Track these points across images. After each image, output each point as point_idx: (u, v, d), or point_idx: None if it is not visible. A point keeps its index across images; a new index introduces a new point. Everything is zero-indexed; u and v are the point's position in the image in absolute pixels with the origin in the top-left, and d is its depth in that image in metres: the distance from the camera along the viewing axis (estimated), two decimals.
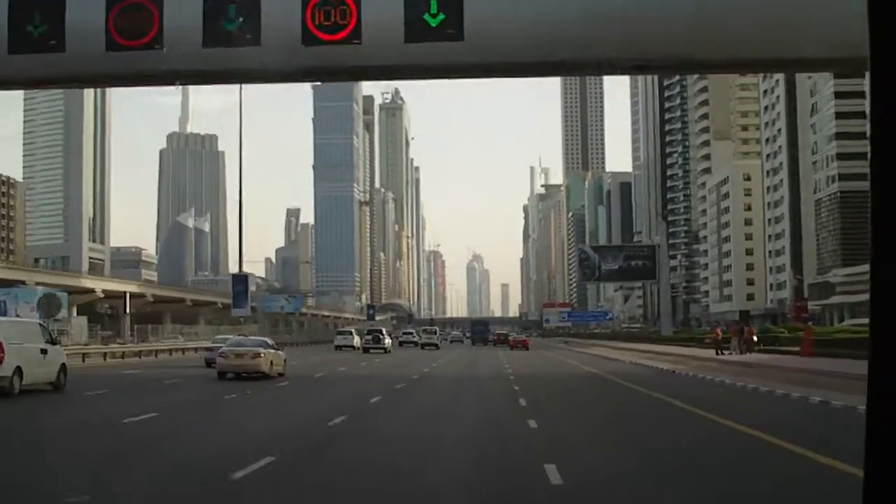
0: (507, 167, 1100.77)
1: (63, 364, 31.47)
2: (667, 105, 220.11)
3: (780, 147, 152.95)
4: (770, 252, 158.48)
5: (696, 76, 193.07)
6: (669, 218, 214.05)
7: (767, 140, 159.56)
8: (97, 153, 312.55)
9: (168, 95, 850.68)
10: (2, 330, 28.49)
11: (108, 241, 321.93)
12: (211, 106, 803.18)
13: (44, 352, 29.71)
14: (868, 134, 1.90)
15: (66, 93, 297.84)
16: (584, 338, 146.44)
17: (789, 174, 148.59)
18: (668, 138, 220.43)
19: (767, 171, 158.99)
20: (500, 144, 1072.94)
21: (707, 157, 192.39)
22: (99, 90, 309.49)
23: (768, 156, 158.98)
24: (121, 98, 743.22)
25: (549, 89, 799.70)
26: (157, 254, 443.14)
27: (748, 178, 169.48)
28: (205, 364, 47.43)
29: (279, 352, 41.84)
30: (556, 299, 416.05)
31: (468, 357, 73.96)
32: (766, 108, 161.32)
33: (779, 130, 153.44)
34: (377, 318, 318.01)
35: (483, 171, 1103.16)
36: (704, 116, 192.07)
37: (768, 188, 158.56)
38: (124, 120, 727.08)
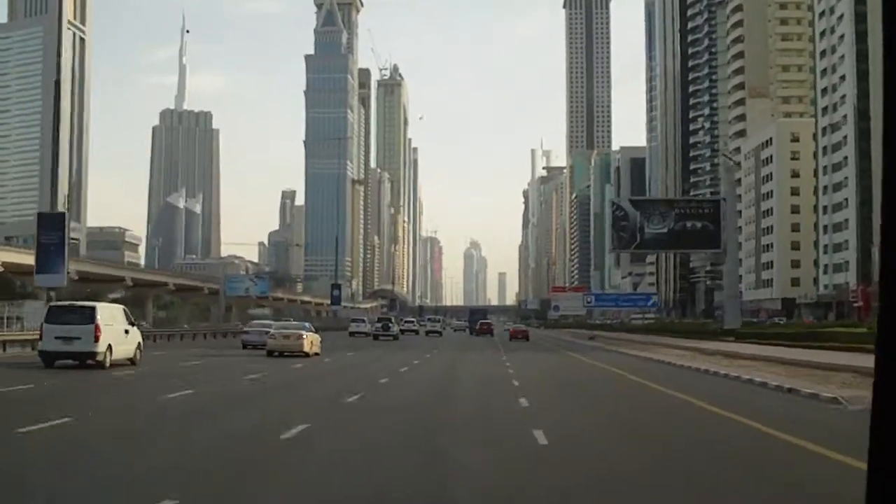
0: (507, 151, 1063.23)
1: (139, 343, 35.34)
2: (691, 63, 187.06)
3: (842, 98, 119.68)
4: (825, 227, 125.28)
5: (728, 24, 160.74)
6: (692, 192, 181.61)
7: (825, 91, 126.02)
8: (74, 129, 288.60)
9: (166, 75, 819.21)
10: (101, 313, 32.36)
11: (85, 220, 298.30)
12: (209, 87, 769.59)
13: (126, 332, 34.13)
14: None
15: (44, 67, 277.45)
16: (609, 330, 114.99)
17: (856, 129, 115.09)
18: (691, 101, 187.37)
19: (823, 129, 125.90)
20: (501, 127, 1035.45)
21: (740, 118, 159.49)
22: (77, 64, 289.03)
23: (825, 110, 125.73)
24: (117, 77, 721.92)
25: (552, 67, 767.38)
26: (147, 235, 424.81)
27: (796, 139, 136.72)
28: (241, 346, 53.13)
29: (317, 334, 46.84)
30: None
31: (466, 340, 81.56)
32: (822, 52, 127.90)
33: (841, 78, 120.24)
34: (364, 305, 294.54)
35: (483, 155, 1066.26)
36: (738, 71, 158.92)
37: (824, 149, 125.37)
38: (119, 99, 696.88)
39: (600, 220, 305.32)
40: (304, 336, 43.73)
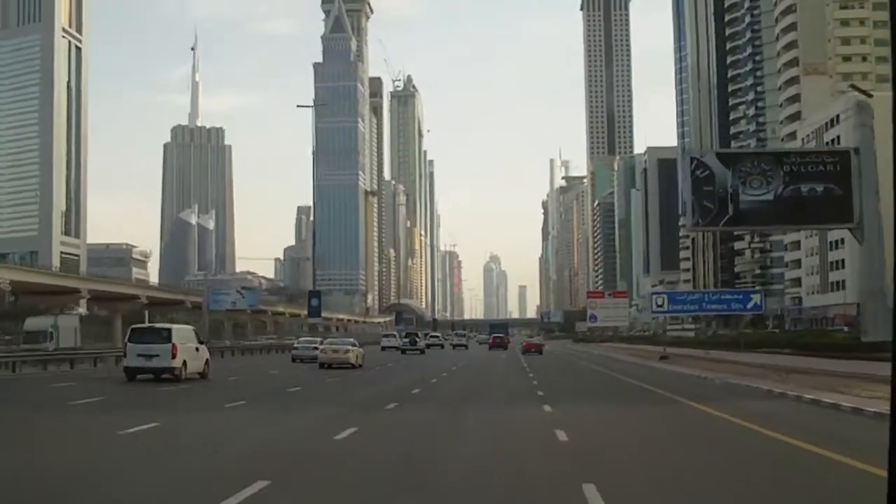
0: (525, 163, 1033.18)
1: (207, 359, 38.40)
2: (729, 45, 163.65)
3: None
4: None
5: None
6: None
7: None
8: (71, 140, 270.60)
9: (178, 93, 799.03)
10: (177, 334, 35.64)
11: (85, 236, 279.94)
12: (222, 106, 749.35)
13: (197, 349, 37.26)
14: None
15: (42, 76, 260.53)
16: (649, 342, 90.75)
17: None
18: (730, 87, 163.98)
19: None
20: (519, 138, 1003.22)
21: (793, 99, 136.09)
22: (73, 74, 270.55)
23: None
24: (130, 96, 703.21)
25: (571, 73, 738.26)
26: (160, 252, 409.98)
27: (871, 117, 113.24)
28: (291, 360, 58.45)
29: (360, 349, 52.10)
30: (578, 300, 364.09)
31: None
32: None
33: None
34: (377, 320, 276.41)
35: (501, 167, 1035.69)
36: (790, 46, 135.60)
37: None
38: (132, 117, 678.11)
39: (626, 227, 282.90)
40: (350, 350, 49.63)
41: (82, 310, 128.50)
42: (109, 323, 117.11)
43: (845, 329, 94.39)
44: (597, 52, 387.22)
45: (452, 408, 22.79)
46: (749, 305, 63.82)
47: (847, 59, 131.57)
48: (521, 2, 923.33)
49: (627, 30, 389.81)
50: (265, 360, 64.13)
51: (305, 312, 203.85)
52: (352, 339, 55.31)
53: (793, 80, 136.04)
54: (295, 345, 65.18)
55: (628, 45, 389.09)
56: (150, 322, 46.71)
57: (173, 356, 34.18)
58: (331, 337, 71.60)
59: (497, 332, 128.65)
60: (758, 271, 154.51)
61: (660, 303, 65.94)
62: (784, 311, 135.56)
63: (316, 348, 54.87)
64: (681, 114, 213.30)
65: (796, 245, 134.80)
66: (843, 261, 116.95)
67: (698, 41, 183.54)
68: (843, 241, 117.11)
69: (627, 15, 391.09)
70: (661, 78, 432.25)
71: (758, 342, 72.06)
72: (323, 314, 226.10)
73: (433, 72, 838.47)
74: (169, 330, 36.08)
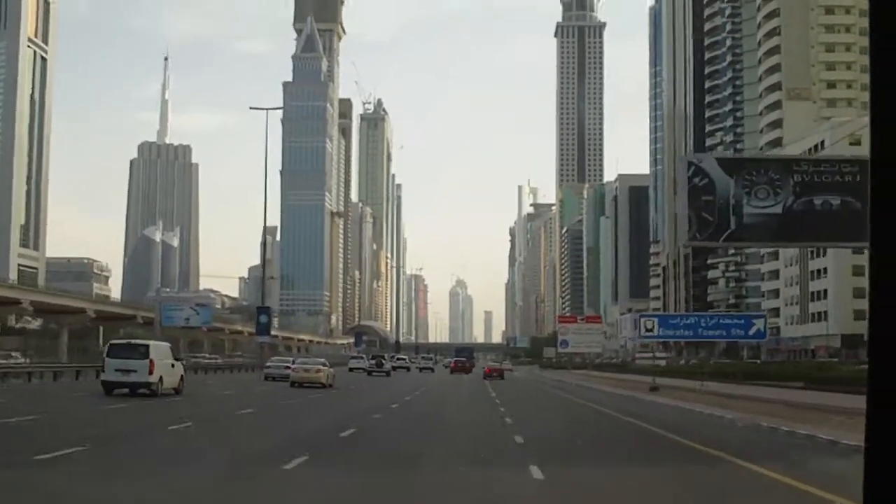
0: (493, 189, 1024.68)
1: (181, 375, 39.94)
2: (708, 69, 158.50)
3: None
4: None
5: (759, 15, 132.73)
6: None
7: None
8: (33, 154, 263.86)
9: (146, 111, 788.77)
10: (154, 351, 36.88)
11: (44, 249, 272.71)
12: (192, 125, 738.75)
13: (172, 366, 38.64)
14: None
15: (4, 85, 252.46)
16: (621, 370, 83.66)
17: None
18: (708, 113, 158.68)
19: None
20: (487, 164, 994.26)
21: (775, 124, 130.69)
22: (37, 84, 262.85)
23: None
24: (97, 112, 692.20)
25: (542, 100, 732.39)
26: (123, 268, 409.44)
27: (857, 142, 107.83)
28: (264, 378, 60.40)
29: (331, 369, 53.88)
30: (544, 326, 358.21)
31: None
32: None
33: None
34: (340, 341, 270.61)
35: (469, 192, 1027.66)
36: (773, 70, 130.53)
37: None
38: (98, 132, 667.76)
39: (594, 255, 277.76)
40: (322, 370, 51.56)
41: (35, 323, 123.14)
42: (56, 337, 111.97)
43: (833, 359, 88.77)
44: (569, 79, 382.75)
45: (406, 463, 15.83)
46: (751, 332, 55.52)
47: (832, 85, 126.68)
48: (495, 28, 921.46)
49: (601, 57, 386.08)
50: (223, 379, 66.13)
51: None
52: (323, 360, 57.17)
53: (775, 105, 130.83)
54: (268, 364, 67.38)
55: (601, 72, 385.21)
56: (125, 339, 46.56)
57: (150, 372, 35.59)
58: (297, 357, 74.65)
59: (461, 356, 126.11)
60: (732, 301, 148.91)
61: (649, 326, 56.61)
62: (760, 343, 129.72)
63: (288, 367, 57.01)
64: (654, 140, 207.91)
65: (774, 274, 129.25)
66: (825, 291, 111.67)
67: (675, 66, 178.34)
68: (825, 270, 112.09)
69: (602, 42, 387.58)
70: (634, 104, 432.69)
71: (750, 373, 65.07)
72: (284, 333, 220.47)
73: (404, 95, 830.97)
74: (146, 346, 37.66)
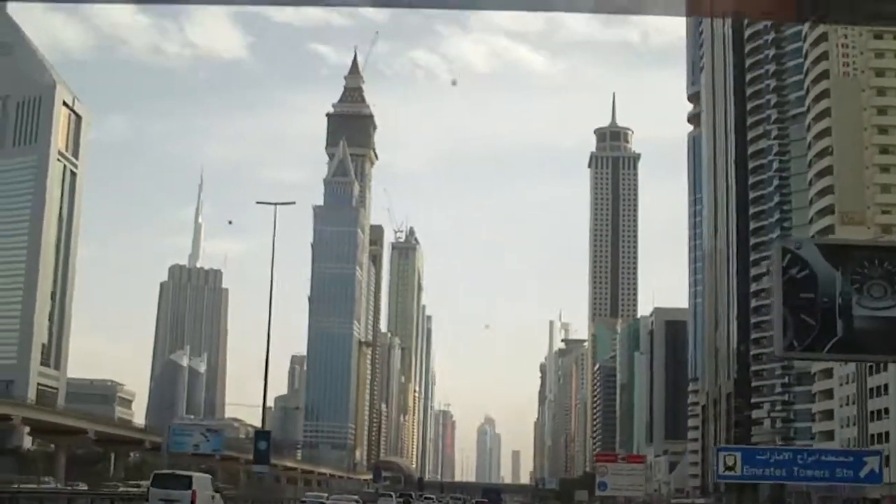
0: (524, 324, 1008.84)
1: None
2: (752, 195, 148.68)
3: None
4: None
5: (810, 135, 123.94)
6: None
7: None
8: (58, 272, 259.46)
9: (179, 236, 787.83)
10: (197, 481, 39.61)
11: (65, 369, 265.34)
12: (223, 250, 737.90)
13: (213, 497, 41.12)
14: None
15: (34, 199, 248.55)
16: None
17: None
18: (752, 240, 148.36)
19: None
20: (518, 298, 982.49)
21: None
22: (66, 200, 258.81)
23: None
24: (129, 236, 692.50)
25: (574, 234, 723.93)
26: (149, 392, 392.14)
27: None
28: None
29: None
30: (574, 467, 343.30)
31: None
32: None
33: None
34: (362, 476, 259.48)
35: (500, 328, 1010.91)
36: (824, 192, 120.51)
37: None
38: (129, 255, 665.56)
39: (627, 392, 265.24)
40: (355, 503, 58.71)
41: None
42: (52, 460, 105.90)
43: None
44: (603, 211, 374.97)
45: None
46: (863, 473, 41.57)
47: (887, 210, 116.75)
48: (529, 163, 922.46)
49: (636, 189, 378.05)
50: None
51: (287, 463, 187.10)
52: (356, 496, 64.01)
53: (826, 231, 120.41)
54: (303, 498, 72.96)
55: (636, 204, 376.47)
56: (170, 469, 50.90)
57: (192, 501, 37.38)
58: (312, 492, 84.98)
59: (488, 496, 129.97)
60: (780, 443, 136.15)
61: (730, 463, 42.36)
62: (809, 488, 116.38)
63: (323, 502, 63.07)
64: (693, 271, 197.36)
65: (827, 414, 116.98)
66: (887, 434, 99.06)
67: (716, 193, 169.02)
68: (886, 410, 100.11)
69: (636, 174, 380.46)
70: (669, 238, 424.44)
71: None
72: (305, 466, 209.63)
73: (436, 226, 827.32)
74: (189, 477, 40.39)
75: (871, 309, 27.98)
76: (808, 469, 40.09)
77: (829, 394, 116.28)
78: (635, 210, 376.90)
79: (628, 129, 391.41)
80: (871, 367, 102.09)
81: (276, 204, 73.32)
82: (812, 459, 41.30)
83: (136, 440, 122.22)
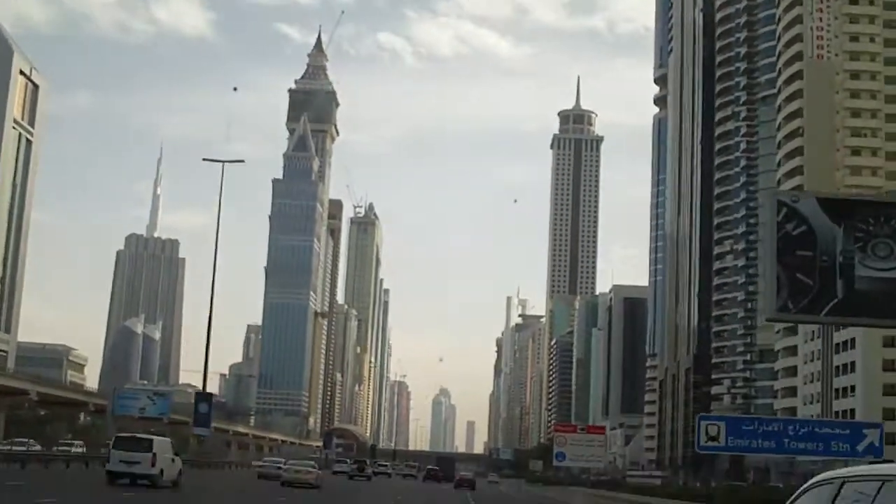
0: (482, 299, 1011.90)
1: (180, 469, 42.13)
2: (718, 175, 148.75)
3: None
4: None
5: (780, 116, 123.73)
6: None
7: None
8: (11, 237, 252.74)
9: (138, 208, 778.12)
10: (157, 445, 39.35)
11: (16, 333, 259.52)
12: (179, 223, 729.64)
13: (172, 460, 40.86)
14: None
15: None
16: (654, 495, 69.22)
17: None
18: (716, 220, 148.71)
19: None
20: (477, 274, 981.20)
21: None
22: (20, 168, 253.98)
23: None
24: (88, 206, 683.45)
25: (534, 212, 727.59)
26: (103, 358, 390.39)
27: None
28: (257, 477, 64.90)
29: (319, 471, 58.86)
30: (529, 438, 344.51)
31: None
32: None
33: None
34: (314, 443, 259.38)
35: (456, 302, 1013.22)
36: (793, 173, 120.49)
37: None
38: (87, 225, 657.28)
39: (584, 367, 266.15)
40: (311, 471, 55.20)
41: None
42: None
43: None
44: (564, 192, 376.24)
45: None
46: (861, 446, 38.43)
47: (857, 189, 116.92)
48: (492, 145, 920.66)
49: (597, 171, 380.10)
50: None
51: (238, 429, 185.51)
52: (312, 462, 63.43)
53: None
54: (261, 463, 73.17)
55: (597, 187, 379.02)
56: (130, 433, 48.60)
57: (152, 464, 37.69)
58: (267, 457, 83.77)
59: (442, 465, 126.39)
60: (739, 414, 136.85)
61: (713, 433, 38.13)
62: (768, 464, 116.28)
63: (279, 468, 61.29)
64: (655, 250, 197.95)
65: (790, 391, 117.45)
66: (853, 410, 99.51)
67: (680, 176, 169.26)
68: (853, 388, 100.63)
69: (598, 156, 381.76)
70: (632, 218, 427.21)
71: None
72: (256, 432, 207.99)
73: (396, 203, 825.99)
74: (150, 441, 40.11)
75: (875, 269, 23.14)
76: (801, 441, 35.69)
77: (792, 371, 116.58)
78: (596, 191, 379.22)
79: (592, 112, 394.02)
80: (837, 344, 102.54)
81: (223, 161, 73.34)
82: (805, 431, 36.96)
83: (81, 402, 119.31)
